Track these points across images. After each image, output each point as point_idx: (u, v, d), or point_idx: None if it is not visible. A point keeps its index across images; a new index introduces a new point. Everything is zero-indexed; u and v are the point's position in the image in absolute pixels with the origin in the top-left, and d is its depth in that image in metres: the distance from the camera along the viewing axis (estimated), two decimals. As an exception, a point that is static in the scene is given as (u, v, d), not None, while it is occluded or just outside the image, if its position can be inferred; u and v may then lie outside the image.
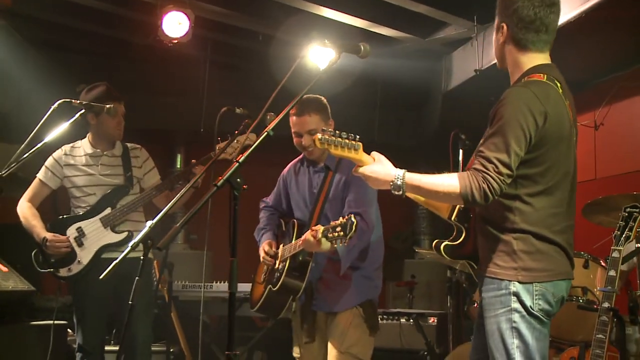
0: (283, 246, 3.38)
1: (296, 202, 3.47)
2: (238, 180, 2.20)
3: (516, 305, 2.26)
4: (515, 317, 2.26)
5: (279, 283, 3.21)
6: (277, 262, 3.36)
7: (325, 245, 2.98)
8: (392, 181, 2.28)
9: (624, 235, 2.89)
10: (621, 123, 5.12)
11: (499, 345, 2.28)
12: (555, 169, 2.29)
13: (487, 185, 2.17)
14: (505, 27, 2.38)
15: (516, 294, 2.26)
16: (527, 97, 2.24)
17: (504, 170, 2.19)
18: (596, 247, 3.47)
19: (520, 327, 2.25)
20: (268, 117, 2.71)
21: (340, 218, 2.83)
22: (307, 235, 3.03)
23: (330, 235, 2.85)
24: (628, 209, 2.91)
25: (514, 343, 2.25)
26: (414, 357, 5.02)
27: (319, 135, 2.28)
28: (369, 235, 3.22)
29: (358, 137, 2.32)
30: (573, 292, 3.33)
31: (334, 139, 2.28)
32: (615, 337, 3.02)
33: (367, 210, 3.21)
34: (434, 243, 2.43)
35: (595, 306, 3.17)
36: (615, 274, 2.85)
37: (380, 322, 3.78)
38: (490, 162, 2.19)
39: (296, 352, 3.44)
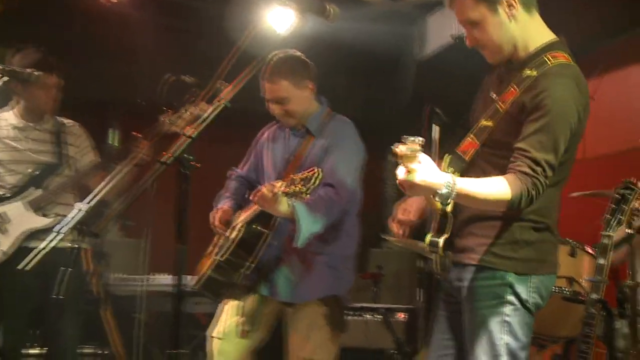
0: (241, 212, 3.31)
1: (268, 172, 3.40)
2: (189, 157, 2.19)
3: (510, 297, 2.33)
4: (508, 310, 2.33)
5: (227, 252, 3.15)
6: (231, 230, 3.28)
7: (283, 205, 2.94)
8: (440, 190, 2.15)
9: (615, 220, 2.95)
10: (615, 96, 5.22)
11: (484, 340, 2.34)
12: (571, 161, 2.39)
13: (536, 191, 2.22)
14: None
15: (512, 286, 2.33)
16: (572, 89, 2.28)
17: (550, 173, 2.24)
18: (588, 230, 3.51)
19: (512, 321, 2.33)
20: (219, 85, 2.70)
21: (307, 172, 2.77)
22: (263, 188, 2.95)
23: (290, 189, 2.78)
24: (621, 191, 2.98)
25: (502, 339, 2.32)
26: (380, 357, 5.08)
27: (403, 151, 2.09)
28: (339, 209, 3.15)
29: (420, 139, 2.12)
30: (557, 282, 3.40)
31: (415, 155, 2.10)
32: (602, 331, 3.12)
33: (344, 182, 3.15)
34: (428, 239, 2.34)
35: (581, 297, 3.26)
36: (604, 262, 2.93)
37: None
38: (539, 164, 2.23)
39: (216, 332, 3.34)
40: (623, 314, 3.27)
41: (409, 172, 2.11)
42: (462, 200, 2.21)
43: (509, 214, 2.32)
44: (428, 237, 2.34)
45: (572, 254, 3.52)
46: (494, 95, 2.43)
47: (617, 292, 3.31)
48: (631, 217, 2.96)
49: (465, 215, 2.41)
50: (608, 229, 2.96)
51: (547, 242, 2.41)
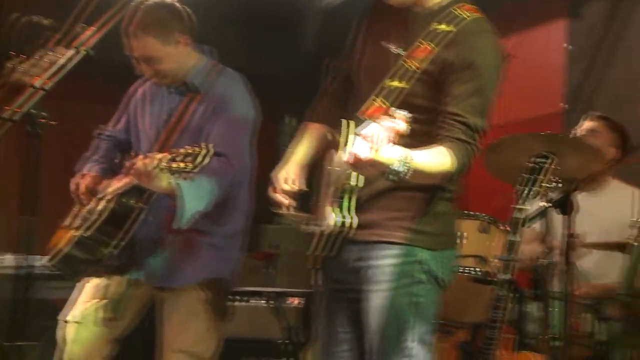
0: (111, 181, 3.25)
1: (144, 134, 3.34)
2: (41, 113, 2.13)
3: (423, 275, 2.41)
4: (420, 289, 2.40)
5: (91, 227, 3.09)
6: (96, 200, 3.22)
7: (163, 181, 2.91)
8: (394, 165, 2.09)
9: (531, 192, 3.02)
10: (536, 56, 5.37)
11: (392, 325, 2.39)
12: None
13: (472, 159, 2.31)
14: None
15: (424, 262, 2.40)
16: (495, 47, 2.38)
17: (481, 139, 2.33)
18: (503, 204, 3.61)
19: (423, 301, 2.41)
20: (79, 29, 2.64)
21: (194, 147, 2.75)
22: (139, 162, 2.91)
23: (173, 166, 2.75)
24: (535, 159, 3.06)
25: (413, 322, 2.39)
26: (269, 348, 5.10)
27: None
28: (230, 181, 3.15)
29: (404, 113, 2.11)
30: (465, 262, 3.51)
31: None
32: (512, 315, 3.23)
33: (237, 152, 3.17)
34: (338, 220, 2.32)
35: (491, 278, 3.36)
36: (517, 239, 3.01)
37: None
38: (472, 129, 2.30)
39: (72, 315, 3.29)
40: (536, 296, 3.40)
41: (375, 149, 2.04)
42: (412, 177, 2.15)
43: (425, 186, 2.37)
44: (337, 217, 2.31)
45: (484, 230, 3.63)
46: (399, 50, 2.44)
47: (532, 273, 3.43)
48: (547, 189, 3.04)
49: (369, 186, 2.42)
50: (521, 202, 3.01)
51: (452, 213, 2.53)
